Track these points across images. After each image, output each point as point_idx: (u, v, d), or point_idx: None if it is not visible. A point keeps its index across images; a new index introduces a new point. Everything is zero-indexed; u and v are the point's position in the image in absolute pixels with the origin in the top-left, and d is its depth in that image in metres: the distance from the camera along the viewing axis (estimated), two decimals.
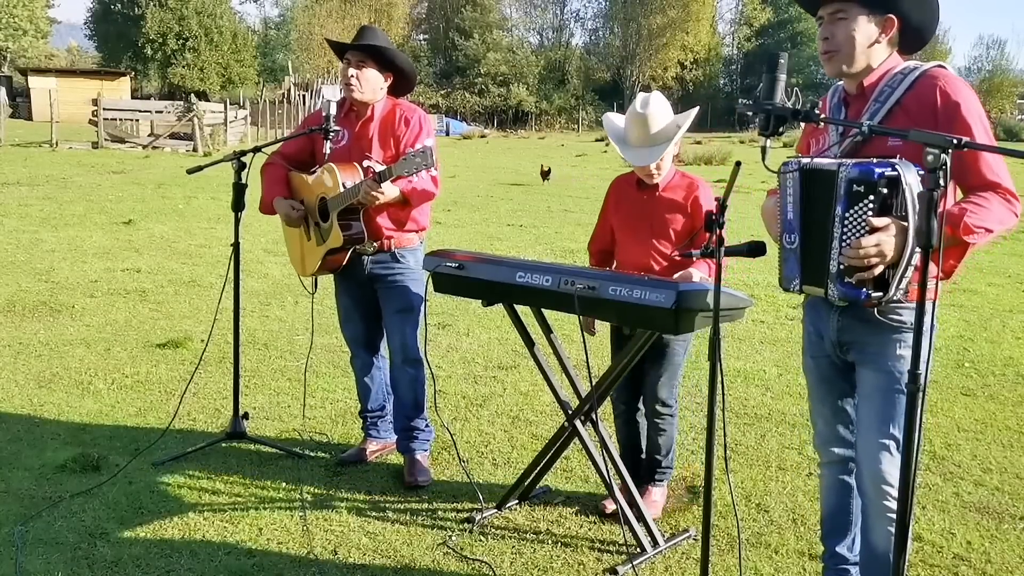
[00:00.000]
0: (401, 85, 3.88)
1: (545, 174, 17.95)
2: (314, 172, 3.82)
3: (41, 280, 7.60)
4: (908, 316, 2.41)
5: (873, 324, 2.45)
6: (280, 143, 4.09)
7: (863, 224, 2.25)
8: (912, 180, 2.22)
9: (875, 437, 2.47)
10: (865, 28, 2.44)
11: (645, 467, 3.64)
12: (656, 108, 3.33)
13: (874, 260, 2.24)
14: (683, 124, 3.36)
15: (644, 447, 3.68)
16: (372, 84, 3.75)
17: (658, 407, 3.52)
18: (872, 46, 2.46)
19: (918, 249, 2.23)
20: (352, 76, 3.71)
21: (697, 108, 3.48)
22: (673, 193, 3.42)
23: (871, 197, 2.23)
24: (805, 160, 2.42)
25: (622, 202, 3.55)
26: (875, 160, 2.28)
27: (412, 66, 3.93)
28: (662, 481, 3.64)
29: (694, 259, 3.08)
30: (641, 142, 3.35)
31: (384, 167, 3.52)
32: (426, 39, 64.85)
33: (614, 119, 3.53)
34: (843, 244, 2.29)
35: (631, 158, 3.38)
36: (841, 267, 2.31)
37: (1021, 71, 63.61)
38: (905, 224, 2.23)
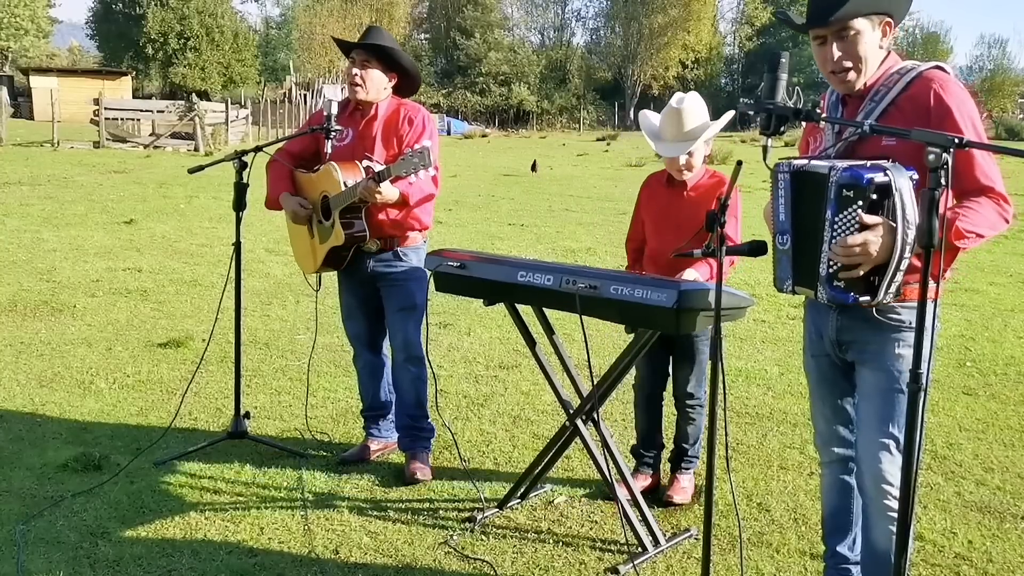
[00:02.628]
0: (406, 86, 3.90)
1: (533, 167, 20.13)
2: (317, 170, 3.83)
3: (43, 279, 7.60)
4: (908, 315, 2.40)
5: (873, 324, 2.45)
6: (282, 142, 4.10)
7: (853, 228, 2.24)
8: (903, 184, 2.22)
9: (875, 436, 2.47)
10: (872, 38, 2.42)
11: (673, 456, 3.78)
12: (691, 105, 3.41)
13: (859, 259, 2.24)
14: (715, 124, 3.45)
15: (663, 437, 3.83)
16: (376, 84, 3.77)
17: (689, 401, 3.65)
18: (877, 53, 2.45)
19: (907, 255, 2.24)
20: (356, 75, 3.73)
21: (732, 112, 3.52)
22: (700, 192, 3.49)
23: (860, 202, 2.22)
24: (796, 162, 2.42)
25: (652, 199, 3.64)
26: (867, 164, 2.26)
27: (416, 67, 3.95)
28: (689, 469, 3.74)
29: (694, 258, 3.12)
30: (674, 136, 3.43)
31: (383, 167, 3.53)
32: (427, 38, 64.79)
33: (650, 116, 3.60)
34: (832, 247, 2.29)
35: (662, 150, 3.45)
36: (831, 270, 2.31)
37: (1022, 70, 63.51)
38: (894, 226, 2.22)
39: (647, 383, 3.75)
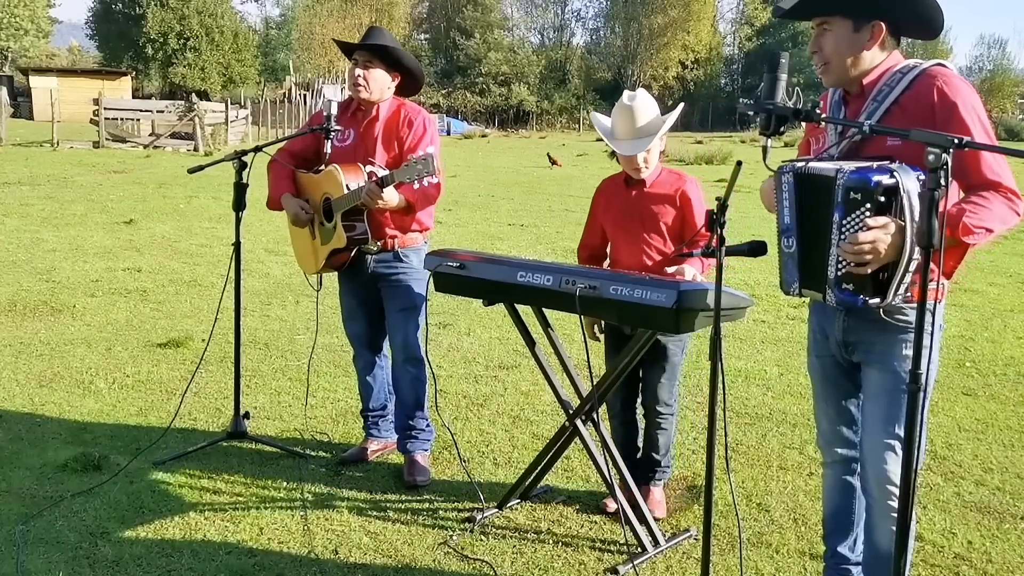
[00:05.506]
0: (409, 85, 3.91)
1: (552, 161, 22.24)
2: (319, 171, 3.84)
3: (42, 280, 7.60)
4: (914, 316, 2.39)
5: (879, 324, 2.45)
6: (282, 142, 4.11)
7: (861, 231, 2.24)
8: (911, 186, 2.21)
9: (880, 437, 2.47)
10: (851, 38, 2.43)
11: (642, 467, 3.62)
12: (642, 102, 3.40)
13: (868, 257, 2.23)
14: (668, 119, 3.43)
15: (641, 447, 3.67)
16: (379, 84, 3.77)
17: (659, 407, 3.53)
18: (861, 54, 2.44)
19: (916, 256, 2.23)
20: (359, 76, 3.73)
21: (682, 105, 3.53)
22: (661, 188, 3.47)
23: (868, 205, 2.21)
24: (800, 164, 2.41)
25: (612, 202, 3.58)
26: (874, 166, 2.25)
27: (419, 66, 3.94)
28: (660, 481, 3.64)
29: (692, 258, 3.13)
30: (628, 134, 3.41)
31: (386, 172, 3.54)
32: (427, 38, 64.76)
33: (600, 118, 3.58)
34: (841, 244, 2.28)
35: (620, 148, 3.43)
36: (840, 273, 2.30)
37: (1022, 70, 63.50)
38: (903, 224, 2.22)
39: (619, 394, 3.60)
